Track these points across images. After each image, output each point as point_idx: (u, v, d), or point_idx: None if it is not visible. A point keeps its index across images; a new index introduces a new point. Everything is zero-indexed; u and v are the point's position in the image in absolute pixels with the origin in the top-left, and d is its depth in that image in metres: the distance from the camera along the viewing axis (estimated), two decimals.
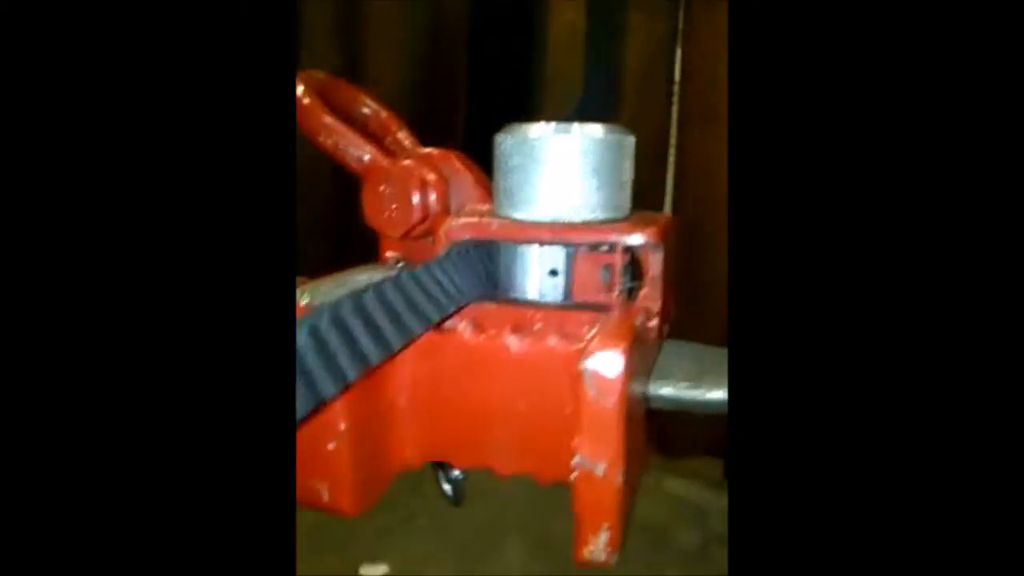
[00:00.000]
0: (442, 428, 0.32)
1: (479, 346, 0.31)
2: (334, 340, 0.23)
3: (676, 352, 0.34)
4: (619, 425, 0.24)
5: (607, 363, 0.25)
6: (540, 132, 0.33)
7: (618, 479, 0.25)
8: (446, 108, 1.30)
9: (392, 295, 0.27)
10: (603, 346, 0.25)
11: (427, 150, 0.40)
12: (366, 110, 0.45)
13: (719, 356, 0.34)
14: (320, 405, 0.22)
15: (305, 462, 0.28)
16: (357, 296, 0.25)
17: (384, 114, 0.45)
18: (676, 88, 1.26)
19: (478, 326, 0.32)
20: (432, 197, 0.37)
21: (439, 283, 0.31)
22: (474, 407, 0.31)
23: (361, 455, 0.30)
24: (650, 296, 0.32)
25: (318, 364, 0.22)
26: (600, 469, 0.25)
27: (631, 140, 0.34)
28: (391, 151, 0.44)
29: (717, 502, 1.35)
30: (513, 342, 0.30)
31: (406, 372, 0.31)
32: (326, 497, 0.29)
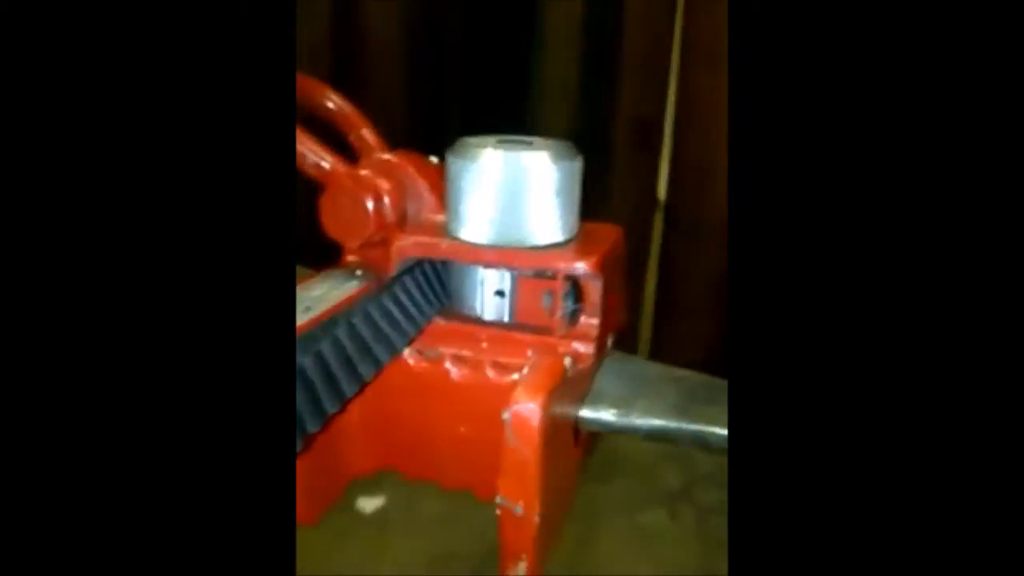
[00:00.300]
0: (391, 442, 0.34)
1: (422, 372, 0.32)
2: (332, 364, 0.26)
3: (616, 371, 0.35)
4: (536, 471, 0.26)
5: (526, 414, 0.26)
6: (486, 156, 0.33)
7: (535, 519, 0.27)
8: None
9: (362, 326, 0.29)
10: (524, 397, 0.26)
11: (385, 156, 0.40)
12: (331, 105, 0.45)
13: (657, 374, 0.36)
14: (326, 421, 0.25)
15: None
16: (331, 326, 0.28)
17: (348, 110, 0.45)
18: (678, 22, 1.22)
19: (421, 352, 0.33)
20: (387, 207, 0.37)
21: (404, 308, 0.32)
22: (419, 426, 0.33)
23: (315, 468, 0.32)
24: (589, 320, 0.33)
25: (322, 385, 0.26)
26: (519, 509, 0.27)
27: (577, 164, 0.35)
28: (355, 147, 0.45)
29: None
30: (453, 371, 0.32)
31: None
32: None
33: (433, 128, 1.13)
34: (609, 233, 0.37)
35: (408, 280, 0.34)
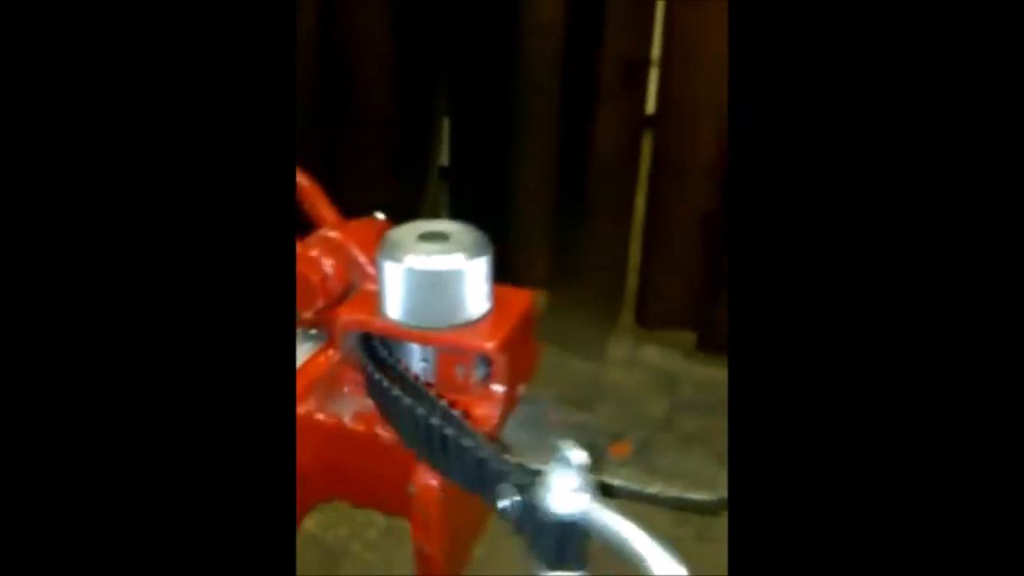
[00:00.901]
0: (340, 480, 0.43)
1: (356, 432, 0.41)
2: None
3: (524, 417, 0.43)
4: (437, 529, 0.35)
5: (428, 488, 0.35)
6: (407, 259, 0.40)
7: (439, 556, 0.36)
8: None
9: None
10: (424, 475, 0.35)
11: (331, 233, 0.47)
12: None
13: (558, 421, 0.44)
14: None
15: None
16: None
17: (306, 184, 0.51)
18: None
19: (355, 414, 0.41)
20: (332, 282, 0.45)
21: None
22: (358, 469, 0.41)
23: None
24: (495, 388, 0.41)
25: None
26: (427, 550, 0.36)
27: (485, 258, 0.42)
28: (311, 217, 0.52)
29: (688, 372, 1.43)
30: (381, 433, 0.40)
31: (308, 442, 0.41)
32: None
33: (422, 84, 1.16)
34: (519, 302, 0.45)
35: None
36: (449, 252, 0.41)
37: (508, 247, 2.20)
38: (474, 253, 0.41)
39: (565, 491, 0.31)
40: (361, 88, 2.35)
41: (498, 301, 0.44)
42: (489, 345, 0.40)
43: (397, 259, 0.40)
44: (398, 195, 2.51)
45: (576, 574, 0.32)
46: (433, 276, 0.40)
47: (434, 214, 2.57)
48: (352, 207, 0.53)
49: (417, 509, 0.35)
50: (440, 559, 0.36)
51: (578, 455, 0.31)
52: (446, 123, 2.36)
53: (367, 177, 2.47)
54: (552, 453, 0.40)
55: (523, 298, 0.45)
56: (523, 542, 0.34)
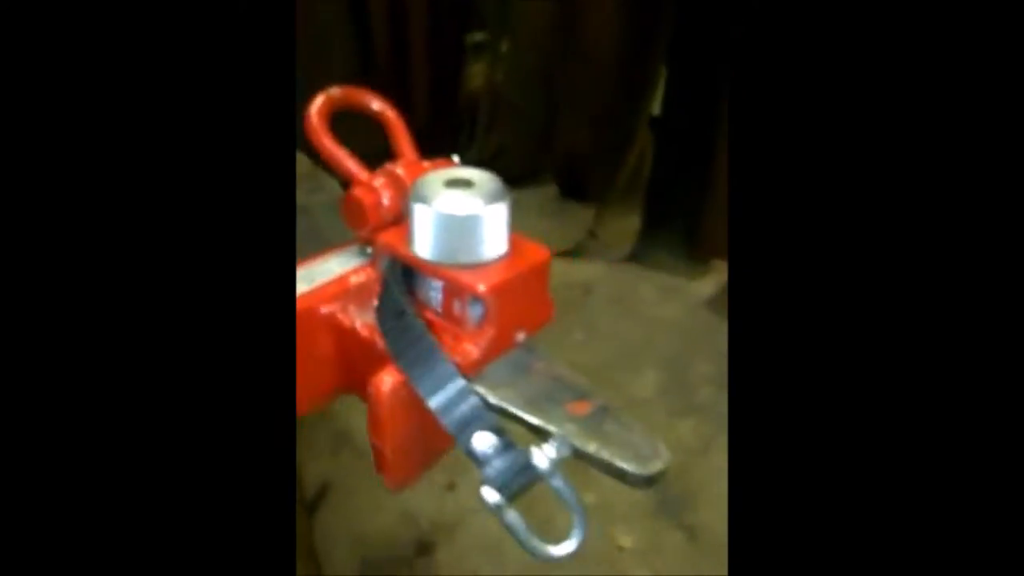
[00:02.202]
0: (347, 375, 0.51)
1: (361, 337, 0.48)
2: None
3: (513, 362, 0.48)
4: (386, 426, 0.41)
5: (382, 385, 0.41)
6: (433, 199, 0.45)
7: (388, 453, 0.42)
8: None
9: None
10: (384, 372, 0.41)
11: (398, 169, 0.54)
12: (376, 107, 0.59)
13: (541, 369, 0.47)
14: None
15: None
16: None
17: (391, 116, 0.58)
18: None
19: (365, 324, 0.48)
20: (385, 211, 0.52)
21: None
22: (359, 370, 0.49)
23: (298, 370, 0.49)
24: (484, 328, 0.46)
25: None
26: (377, 444, 0.42)
27: (503, 204, 0.46)
28: (393, 149, 0.59)
29: None
30: (379, 342, 0.47)
31: (330, 337, 0.50)
32: None
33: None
34: (534, 255, 0.48)
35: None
36: (467, 198, 0.45)
37: (706, 202, 2.15)
38: (490, 200, 0.45)
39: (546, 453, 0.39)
40: (588, 32, 2.38)
41: (514, 250, 0.48)
42: (481, 287, 0.45)
43: (421, 200, 0.46)
44: (608, 140, 2.53)
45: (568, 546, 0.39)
46: (448, 218, 0.45)
47: (640, 162, 2.56)
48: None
49: (371, 406, 0.41)
50: (387, 455, 0.42)
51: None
52: (663, 72, 2.31)
53: (581, 118, 2.53)
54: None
55: (539, 252, 0.48)
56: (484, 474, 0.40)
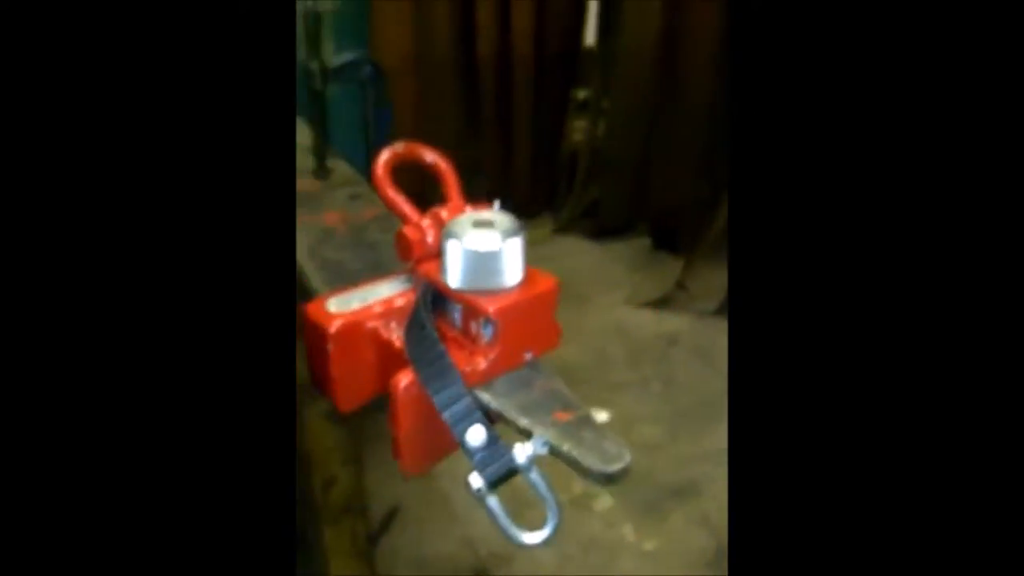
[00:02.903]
0: (383, 380, 0.61)
1: (397, 350, 0.58)
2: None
3: (519, 377, 0.56)
4: (399, 419, 0.51)
5: (399, 384, 0.51)
6: (461, 237, 0.55)
7: (402, 443, 0.52)
8: None
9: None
10: (401, 375, 0.51)
11: (443, 211, 0.64)
12: (429, 159, 0.70)
13: (539, 384, 0.56)
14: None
15: (316, 368, 0.59)
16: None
17: (442, 165, 0.70)
18: None
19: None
20: (428, 247, 0.62)
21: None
22: (387, 369, 0.59)
23: (343, 374, 0.60)
24: (491, 345, 0.55)
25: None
26: (392, 433, 0.52)
27: (518, 239, 0.55)
28: (444, 195, 0.69)
29: None
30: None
31: (372, 347, 0.60)
32: (326, 391, 0.60)
33: None
34: (543, 284, 0.57)
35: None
36: (487, 236, 0.55)
37: None
38: (505, 237, 0.55)
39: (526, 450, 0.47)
40: (686, 90, 2.46)
41: (527, 280, 0.57)
42: (491, 308, 0.54)
43: (450, 237, 0.56)
44: (701, 193, 2.58)
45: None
46: (470, 253, 0.55)
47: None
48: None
49: (390, 400, 0.51)
50: (402, 444, 0.52)
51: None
52: None
53: (676, 171, 2.59)
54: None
55: (547, 282, 0.57)
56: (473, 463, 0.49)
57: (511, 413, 0.51)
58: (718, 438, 1.86)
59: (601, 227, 2.84)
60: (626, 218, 2.87)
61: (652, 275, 2.73)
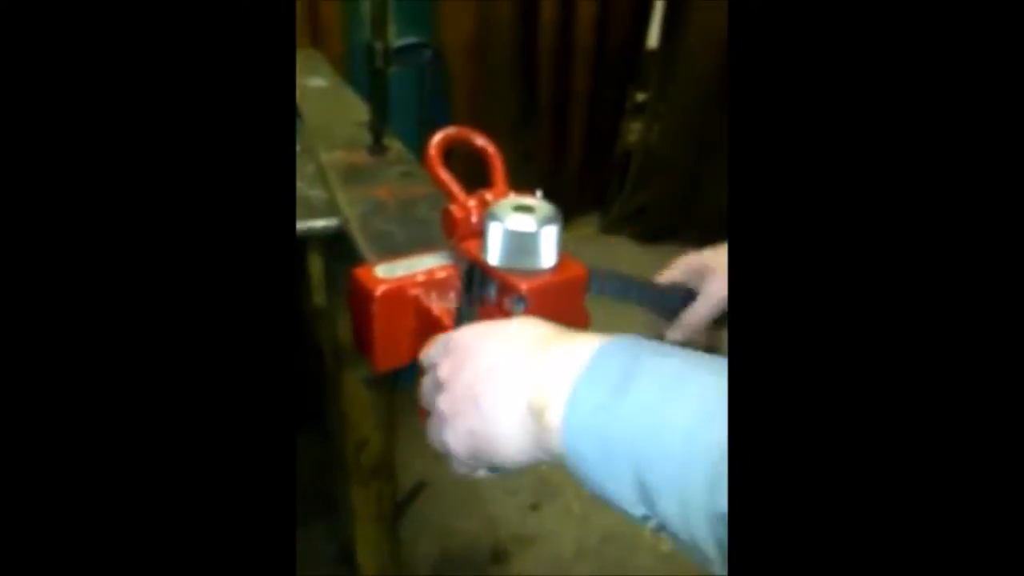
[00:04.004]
0: (415, 343, 0.65)
1: (435, 317, 0.62)
2: None
3: None
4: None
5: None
6: (504, 220, 0.59)
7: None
8: None
9: None
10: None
11: (488, 195, 0.68)
12: (480, 143, 0.74)
13: None
14: None
15: (359, 329, 0.64)
16: None
17: (491, 150, 0.73)
18: None
19: (442, 308, 0.63)
20: (472, 224, 0.66)
21: None
22: (424, 335, 0.63)
23: (384, 336, 0.64)
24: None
25: None
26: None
27: (555, 226, 0.58)
28: (489, 178, 0.73)
29: None
30: (448, 324, 0.61)
31: (412, 313, 0.64)
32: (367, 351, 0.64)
33: None
34: (574, 270, 0.60)
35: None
36: (526, 219, 0.58)
37: None
38: (543, 223, 0.58)
39: None
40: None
41: (560, 265, 0.60)
42: (524, 287, 0.57)
43: (493, 218, 0.60)
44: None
45: None
46: (509, 233, 0.59)
47: None
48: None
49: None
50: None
51: None
52: None
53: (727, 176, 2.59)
54: None
55: (579, 269, 0.61)
56: None
57: None
58: None
59: (648, 231, 2.85)
60: (674, 223, 2.87)
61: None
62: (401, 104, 1.19)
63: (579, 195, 2.78)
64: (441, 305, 0.63)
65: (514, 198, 0.63)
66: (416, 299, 0.64)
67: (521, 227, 0.58)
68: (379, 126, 1.05)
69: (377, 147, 1.06)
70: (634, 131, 2.93)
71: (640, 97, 2.91)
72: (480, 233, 0.66)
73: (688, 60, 2.59)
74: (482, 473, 0.48)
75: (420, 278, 0.65)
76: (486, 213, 0.61)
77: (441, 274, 0.66)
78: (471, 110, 2.36)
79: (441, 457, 0.50)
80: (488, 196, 0.68)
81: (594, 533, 1.50)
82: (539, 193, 0.72)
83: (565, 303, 0.60)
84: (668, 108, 2.78)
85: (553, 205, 0.61)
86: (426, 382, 0.50)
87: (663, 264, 0.76)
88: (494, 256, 0.60)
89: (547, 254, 0.59)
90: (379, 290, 0.62)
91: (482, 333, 0.48)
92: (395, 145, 1.10)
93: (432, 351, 0.50)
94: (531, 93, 2.61)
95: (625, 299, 0.59)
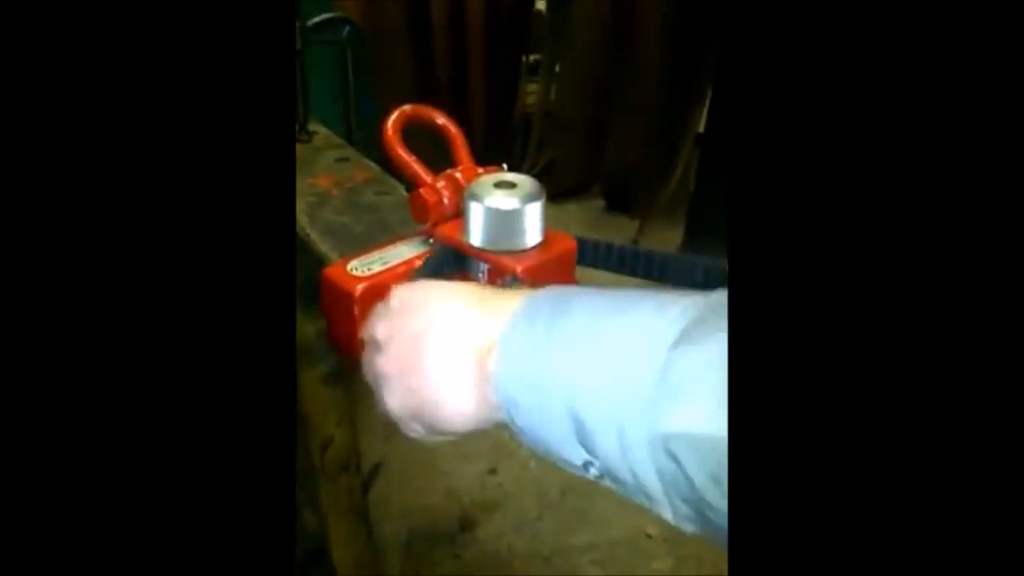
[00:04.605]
0: None
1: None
2: None
3: None
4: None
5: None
6: (484, 199, 0.57)
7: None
8: None
9: None
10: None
11: (457, 173, 0.66)
12: (440, 121, 0.71)
13: None
14: None
15: (337, 331, 0.61)
16: None
17: (452, 128, 0.71)
18: None
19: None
20: (445, 208, 0.64)
21: None
22: None
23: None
24: None
25: None
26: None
27: (539, 203, 0.58)
28: (452, 157, 0.71)
29: None
30: None
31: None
32: (350, 352, 0.62)
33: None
34: (564, 244, 0.60)
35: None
36: (510, 197, 0.57)
37: None
38: (528, 199, 0.57)
39: None
40: (637, 52, 2.49)
41: (547, 240, 0.60)
42: (519, 268, 0.57)
43: (474, 198, 0.58)
44: (654, 155, 2.63)
45: None
46: (495, 212, 0.57)
47: (684, 177, 2.65)
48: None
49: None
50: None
51: None
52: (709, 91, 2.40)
53: (629, 134, 2.64)
54: None
55: (568, 242, 0.60)
56: None
57: None
58: None
59: (555, 188, 2.88)
60: (580, 180, 2.91)
61: (606, 236, 2.77)
62: (315, 87, 1.13)
63: (485, 161, 2.76)
64: None
65: (489, 175, 0.62)
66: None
67: (505, 205, 0.57)
68: (304, 111, 1.00)
69: (303, 133, 1.00)
70: (532, 93, 2.94)
71: (535, 58, 2.91)
72: (455, 215, 0.65)
73: (577, 22, 2.61)
74: (436, 438, 0.44)
75: (398, 269, 0.62)
76: (466, 193, 0.59)
77: (419, 263, 0.64)
78: (371, 86, 2.28)
79: (392, 436, 0.48)
80: (457, 175, 0.66)
81: (553, 487, 1.54)
82: (504, 167, 0.71)
83: (559, 278, 0.60)
84: (564, 67, 2.80)
85: (533, 179, 0.61)
86: (366, 353, 0.46)
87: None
88: (478, 237, 0.59)
89: (533, 231, 0.59)
90: (359, 289, 0.60)
91: (420, 288, 0.46)
92: (320, 130, 1.05)
93: (371, 321, 0.46)
94: (428, 67, 2.56)
95: (619, 271, 0.59)
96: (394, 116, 0.68)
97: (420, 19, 2.46)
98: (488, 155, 0.72)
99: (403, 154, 0.67)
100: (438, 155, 0.71)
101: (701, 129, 2.54)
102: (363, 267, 0.63)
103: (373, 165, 0.96)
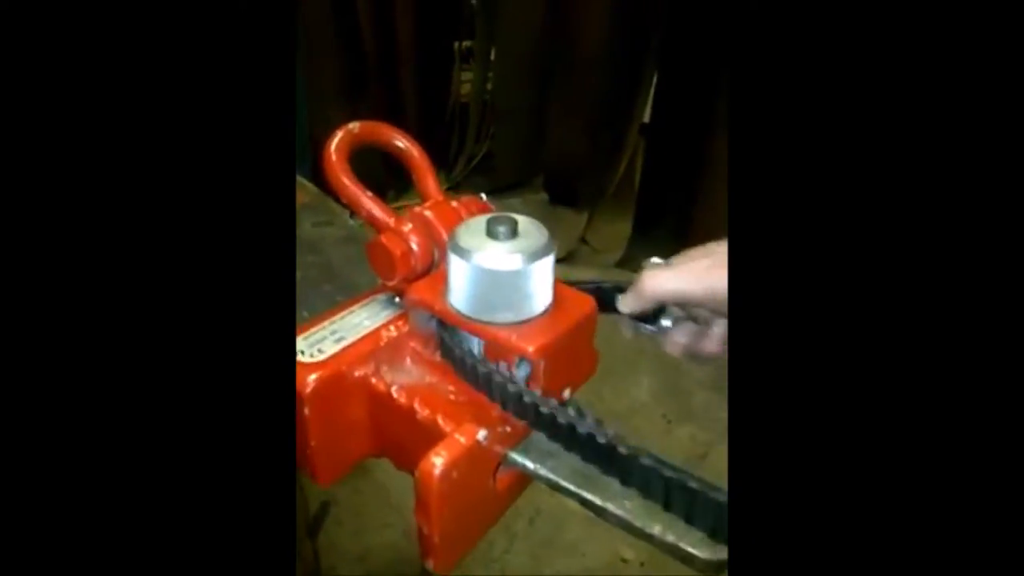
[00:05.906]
0: (379, 440, 0.47)
1: (398, 404, 0.44)
2: None
3: None
4: (434, 512, 0.38)
5: (433, 469, 0.37)
6: (474, 255, 0.42)
7: (435, 538, 0.39)
8: None
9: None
10: (432, 454, 0.38)
11: (427, 212, 0.50)
12: (400, 144, 0.55)
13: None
14: None
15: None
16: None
17: (416, 153, 0.55)
18: None
19: (402, 387, 0.45)
20: (415, 259, 0.48)
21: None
22: (400, 435, 0.46)
23: (323, 442, 0.45)
24: (531, 387, 0.43)
25: None
26: (425, 531, 0.39)
27: (549, 257, 0.43)
28: (419, 190, 0.55)
29: None
30: (419, 409, 0.43)
31: (362, 401, 0.46)
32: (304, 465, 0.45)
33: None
34: (578, 306, 0.45)
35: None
36: (510, 251, 0.42)
37: (695, 209, 2.14)
38: (535, 256, 0.42)
39: None
40: (578, 38, 2.36)
41: (558, 302, 0.45)
42: (530, 348, 0.41)
43: (461, 254, 0.42)
44: (599, 146, 2.51)
45: None
46: (492, 275, 0.42)
47: (631, 168, 2.54)
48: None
49: (419, 489, 0.38)
50: (436, 541, 0.39)
51: None
52: (654, 80, 2.30)
53: (572, 124, 2.51)
54: None
55: (584, 303, 0.45)
56: None
57: (570, 483, 0.40)
58: (639, 392, 1.88)
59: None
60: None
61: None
62: None
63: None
64: (401, 383, 0.45)
65: (467, 209, 0.46)
66: (364, 381, 0.45)
67: (507, 264, 0.42)
68: None
69: None
70: (467, 81, 2.77)
71: (467, 44, 2.74)
72: (428, 268, 0.49)
73: (511, 6, 2.46)
74: None
75: (362, 348, 0.46)
76: (449, 245, 0.43)
77: (387, 334, 0.48)
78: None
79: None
80: (427, 213, 0.50)
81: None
82: (483, 196, 0.55)
83: (578, 351, 0.45)
84: (499, 54, 2.64)
85: (535, 221, 0.45)
86: None
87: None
88: (467, 304, 0.43)
89: (542, 294, 0.44)
90: (309, 384, 0.43)
91: None
92: None
93: None
94: (357, 56, 2.37)
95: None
96: (339, 137, 0.51)
97: (346, 3, 2.26)
98: (423, 148, 0.56)
99: (354, 188, 0.50)
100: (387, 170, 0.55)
101: (646, 119, 2.44)
102: (311, 346, 0.46)
103: (308, 184, 0.78)
